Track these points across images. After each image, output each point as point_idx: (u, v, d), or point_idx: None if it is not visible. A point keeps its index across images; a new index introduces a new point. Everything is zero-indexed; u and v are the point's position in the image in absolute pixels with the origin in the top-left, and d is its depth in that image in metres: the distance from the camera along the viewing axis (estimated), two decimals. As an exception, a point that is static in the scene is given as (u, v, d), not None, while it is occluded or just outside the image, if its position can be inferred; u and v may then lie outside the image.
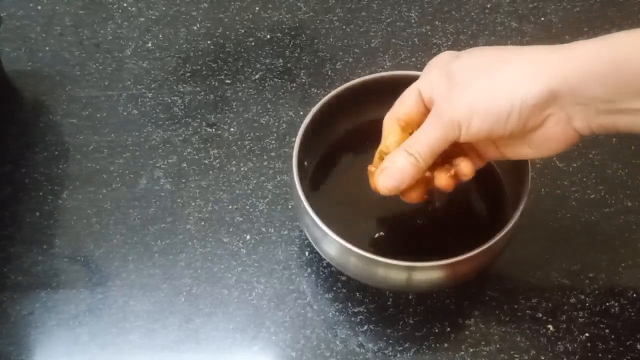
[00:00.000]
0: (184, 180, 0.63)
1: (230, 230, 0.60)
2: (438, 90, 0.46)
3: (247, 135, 0.65)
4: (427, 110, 0.48)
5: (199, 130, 0.66)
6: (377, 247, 0.53)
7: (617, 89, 0.41)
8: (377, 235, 0.55)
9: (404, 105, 0.49)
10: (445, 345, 0.55)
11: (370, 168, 0.50)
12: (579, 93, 0.42)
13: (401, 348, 0.54)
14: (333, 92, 0.55)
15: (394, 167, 0.47)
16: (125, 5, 0.75)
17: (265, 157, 0.64)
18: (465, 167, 0.48)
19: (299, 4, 0.75)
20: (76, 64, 0.70)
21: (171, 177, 0.63)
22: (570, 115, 0.43)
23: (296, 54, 0.71)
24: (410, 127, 0.49)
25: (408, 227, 0.55)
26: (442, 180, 0.48)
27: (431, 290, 0.56)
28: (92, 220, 0.60)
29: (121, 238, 0.60)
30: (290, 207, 0.61)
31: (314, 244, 0.53)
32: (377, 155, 0.50)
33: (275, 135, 0.65)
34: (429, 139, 0.46)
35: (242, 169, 0.63)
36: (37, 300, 0.56)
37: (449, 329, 0.55)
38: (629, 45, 0.41)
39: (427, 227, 0.55)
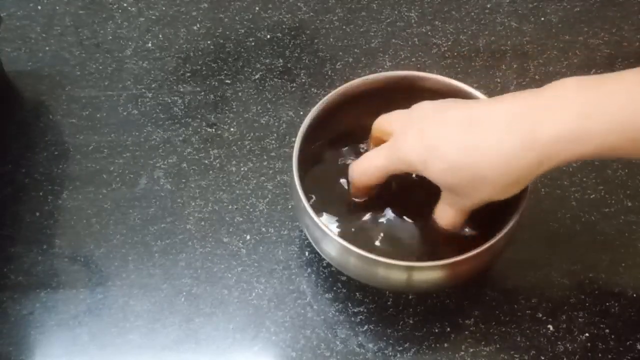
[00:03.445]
0: (184, 180, 0.63)
1: (230, 230, 0.60)
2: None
3: (247, 135, 0.65)
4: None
5: (199, 130, 0.66)
6: (377, 247, 0.53)
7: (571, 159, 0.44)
8: (377, 235, 0.54)
9: (366, 177, 0.52)
10: (445, 345, 0.55)
11: None
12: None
13: (401, 348, 0.54)
14: (333, 92, 0.55)
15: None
16: (125, 5, 0.75)
17: (265, 157, 0.64)
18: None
19: (299, 4, 0.74)
20: (76, 64, 0.70)
21: (171, 177, 0.63)
22: None
23: (296, 54, 0.71)
24: None
25: (408, 226, 0.54)
26: None
27: (431, 290, 0.56)
28: (92, 221, 0.60)
29: (121, 238, 0.59)
30: (290, 207, 0.61)
31: (314, 244, 0.53)
32: None
33: (275, 135, 0.65)
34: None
35: (242, 169, 0.63)
36: (37, 300, 0.56)
37: (449, 329, 0.55)
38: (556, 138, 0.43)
39: (427, 226, 0.55)
